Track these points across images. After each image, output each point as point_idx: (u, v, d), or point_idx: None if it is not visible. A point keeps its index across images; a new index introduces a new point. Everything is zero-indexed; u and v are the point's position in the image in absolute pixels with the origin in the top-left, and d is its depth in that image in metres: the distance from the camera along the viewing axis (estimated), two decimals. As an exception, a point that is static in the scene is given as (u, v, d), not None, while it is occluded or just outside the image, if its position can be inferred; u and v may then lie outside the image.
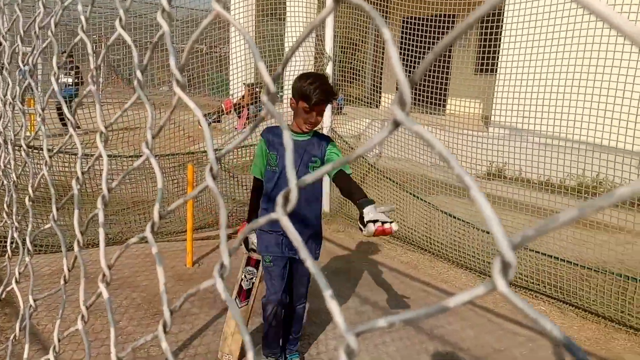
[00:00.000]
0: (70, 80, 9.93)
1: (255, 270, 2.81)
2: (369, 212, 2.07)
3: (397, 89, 0.35)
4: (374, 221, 2.04)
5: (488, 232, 4.43)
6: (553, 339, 0.32)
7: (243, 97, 10.06)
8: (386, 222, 2.03)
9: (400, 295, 3.81)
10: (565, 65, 5.02)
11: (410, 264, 4.52)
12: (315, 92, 2.33)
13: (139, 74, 0.59)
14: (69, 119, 0.79)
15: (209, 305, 3.44)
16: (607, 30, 4.57)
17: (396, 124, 0.36)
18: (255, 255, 2.77)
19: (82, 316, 0.73)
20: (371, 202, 2.14)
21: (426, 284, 4.09)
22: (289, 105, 2.56)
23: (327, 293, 0.39)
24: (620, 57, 4.39)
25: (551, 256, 3.90)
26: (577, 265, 3.73)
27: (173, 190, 5.14)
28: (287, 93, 6.23)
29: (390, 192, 5.30)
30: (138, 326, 3.11)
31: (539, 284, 3.83)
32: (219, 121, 10.83)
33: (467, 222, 4.61)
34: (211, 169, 0.50)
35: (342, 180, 2.34)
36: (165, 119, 0.58)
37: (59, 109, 5.99)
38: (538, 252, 4.01)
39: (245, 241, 2.68)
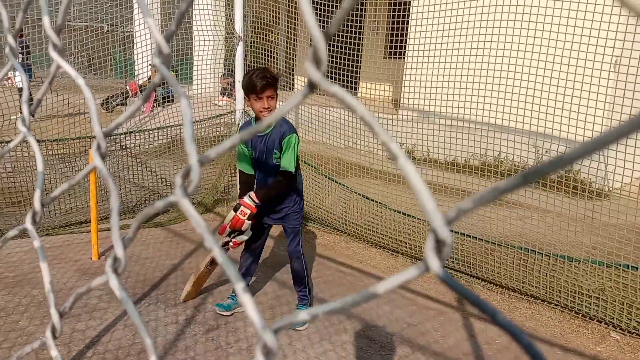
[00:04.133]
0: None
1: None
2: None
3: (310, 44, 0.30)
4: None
5: (400, 212, 4.56)
6: (497, 324, 0.29)
7: (149, 79, 9.58)
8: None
9: (318, 278, 3.83)
10: (468, 49, 5.24)
11: (326, 245, 4.56)
12: (256, 80, 2.72)
13: (10, 39, 0.50)
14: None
15: (117, 299, 3.25)
16: (507, 16, 4.82)
17: (312, 86, 0.32)
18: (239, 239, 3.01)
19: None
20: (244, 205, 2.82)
21: (342, 264, 4.15)
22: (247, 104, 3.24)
23: (239, 286, 0.34)
24: (518, 42, 4.66)
25: (457, 232, 4.09)
26: (482, 240, 3.94)
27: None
28: (199, 76, 6.01)
29: (307, 175, 5.29)
30: (40, 325, 2.87)
31: (446, 259, 4.00)
32: (124, 104, 10.27)
33: (380, 203, 4.72)
34: (99, 147, 0.43)
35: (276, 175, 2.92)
36: (43, 90, 0.49)
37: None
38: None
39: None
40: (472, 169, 5.49)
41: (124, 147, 4.77)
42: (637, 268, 3.25)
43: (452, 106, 5.58)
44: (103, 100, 9.88)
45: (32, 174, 4.58)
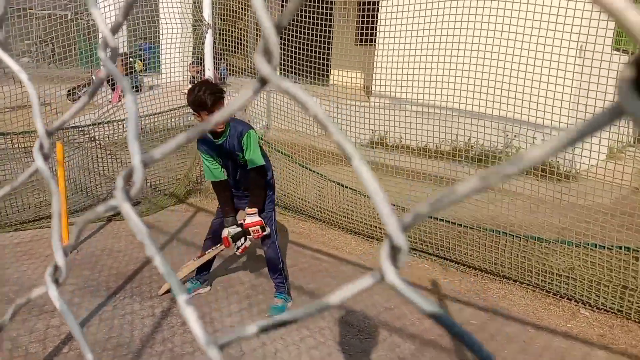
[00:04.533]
0: None
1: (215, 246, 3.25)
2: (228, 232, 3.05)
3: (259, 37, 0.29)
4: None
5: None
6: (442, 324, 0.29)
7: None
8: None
9: (294, 265, 3.84)
10: (439, 35, 5.27)
11: (302, 233, 4.56)
12: (205, 97, 2.75)
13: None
14: None
15: (91, 293, 3.20)
16: (475, 2, 4.87)
17: (263, 82, 0.31)
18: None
19: None
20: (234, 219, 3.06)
21: (318, 251, 4.17)
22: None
23: (181, 299, 0.32)
24: (487, 29, 4.71)
25: (431, 217, 4.15)
26: (455, 224, 4.01)
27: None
28: (167, 65, 5.90)
29: (281, 164, 5.27)
30: (13, 322, 2.80)
31: (421, 244, 4.07)
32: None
33: (355, 190, 4.74)
34: (41, 147, 0.41)
35: (249, 173, 3.02)
36: None
37: None
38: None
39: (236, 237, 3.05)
40: (443, 155, 5.56)
41: (92, 138, 4.66)
42: (604, 247, 3.36)
43: (423, 92, 5.62)
44: (68, 91, 9.60)
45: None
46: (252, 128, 2.98)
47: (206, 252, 3.25)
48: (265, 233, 3.04)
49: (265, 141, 5.65)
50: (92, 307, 3.04)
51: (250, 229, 3.00)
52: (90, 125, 4.67)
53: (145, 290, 3.29)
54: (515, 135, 5.46)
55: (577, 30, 4.16)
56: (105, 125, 4.87)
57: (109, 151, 5.01)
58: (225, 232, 3.04)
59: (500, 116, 4.86)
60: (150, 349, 2.67)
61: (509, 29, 4.74)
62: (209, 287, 3.41)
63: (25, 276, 3.37)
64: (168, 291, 3.24)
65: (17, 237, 3.96)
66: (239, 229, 3.02)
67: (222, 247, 3.13)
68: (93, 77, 9.86)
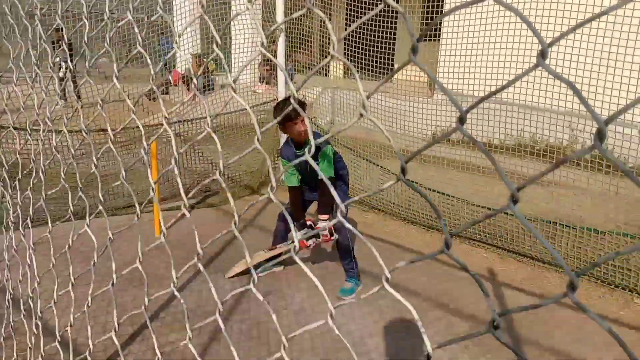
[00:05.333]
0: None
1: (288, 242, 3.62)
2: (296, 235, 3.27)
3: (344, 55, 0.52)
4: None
5: (434, 191, 4.79)
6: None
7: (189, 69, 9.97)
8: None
9: (359, 251, 4.11)
10: (504, 29, 5.34)
11: (365, 223, 4.83)
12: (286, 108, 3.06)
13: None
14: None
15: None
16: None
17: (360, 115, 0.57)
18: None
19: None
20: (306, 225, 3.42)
21: (382, 240, 4.42)
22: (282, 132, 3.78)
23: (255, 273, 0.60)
24: (554, 22, 4.76)
25: (489, 208, 4.30)
26: (512, 215, 4.13)
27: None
28: (237, 65, 6.31)
29: (345, 157, 5.55)
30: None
31: (480, 234, 4.23)
32: (167, 93, 10.68)
33: (415, 183, 4.95)
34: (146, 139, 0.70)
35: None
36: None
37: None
38: (475, 205, 4.37)
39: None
40: (508, 150, 5.63)
41: (177, 134, 5.15)
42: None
43: (486, 87, 5.71)
44: (148, 90, 10.33)
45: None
46: (329, 144, 3.34)
47: (278, 247, 3.59)
48: (333, 238, 3.34)
49: (332, 138, 5.96)
50: (183, 280, 3.47)
51: (320, 232, 3.32)
52: (176, 122, 5.16)
53: (227, 268, 3.68)
54: (580, 131, 5.46)
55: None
56: (187, 122, 5.35)
57: (192, 145, 5.49)
58: (298, 235, 3.33)
59: (566, 112, 4.90)
60: (234, 315, 3.05)
61: (576, 22, 4.76)
62: (282, 267, 3.76)
63: (126, 251, 3.87)
64: (238, 274, 3.60)
65: (114, 221, 4.48)
66: (310, 231, 3.36)
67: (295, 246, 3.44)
68: (169, 77, 10.57)
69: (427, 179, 5.05)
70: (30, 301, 1.82)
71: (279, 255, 3.60)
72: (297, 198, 3.48)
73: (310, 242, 3.41)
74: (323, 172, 3.16)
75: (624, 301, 3.34)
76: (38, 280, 1.73)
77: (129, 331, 2.91)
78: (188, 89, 9.99)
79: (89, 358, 1.40)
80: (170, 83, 10.41)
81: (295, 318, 3.10)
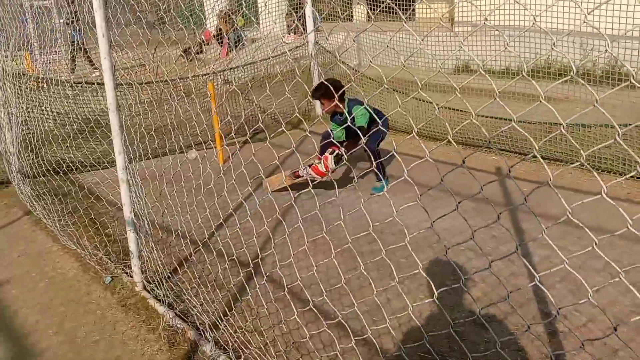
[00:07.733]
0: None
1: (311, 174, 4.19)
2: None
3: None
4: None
5: (447, 108, 5.35)
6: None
7: (219, 27, 10.46)
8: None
9: (385, 161, 4.79)
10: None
11: (391, 142, 5.49)
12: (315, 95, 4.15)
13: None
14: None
15: (243, 184, 4.37)
16: None
17: None
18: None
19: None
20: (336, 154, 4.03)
21: (405, 154, 5.07)
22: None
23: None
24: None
25: (499, 118, 4.87)
26: (521, 121, 4.71)
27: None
28: (265, 17, 6.85)
29: (373, 92, 6.16)
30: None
31: (492, 141, 4.81)
32: (201, 52, 11.25)
33: (430, 102, 5.51)
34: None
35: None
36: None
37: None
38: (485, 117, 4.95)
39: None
40: (524, 74, 6.08)
41: (226, 81, 5.85)
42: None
43: (501, 15, 6.13)
44: (183, 51, 10.96)
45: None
46: (362, 104, 4.09)
47: (302, 175, 4.20)
48: (326, 174, 4.04)
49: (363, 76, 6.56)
50: (247, 193, 4.23)
51: (328, 153, 4.05)
52: (223, 70, 5.84)
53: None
54: (592, 49, 5.89)
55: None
56: (230, 70, 6.03)
57: (238, 91, 6.19)
58: (330, 158, 4.05)
59: (575, 31, 5.32)
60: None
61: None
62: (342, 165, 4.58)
63: (198, 176, 4.63)
64: (279, 189, 4.33)
65: (183, 157, 5.25)
66: (336, 151, 4.06)
67: (318, 177, 4.09)
68: (202, 36, 11.14)
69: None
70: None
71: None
72: (339, 144, 4.22)
73: (303, 172, 4.11)
74: (359, 124, 4.08)
75: (609, 181, 3.95)
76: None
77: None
78: (221, 46, 10.51)
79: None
80: (204, 42, 10.95)
81: (340, 209, 3.93)
